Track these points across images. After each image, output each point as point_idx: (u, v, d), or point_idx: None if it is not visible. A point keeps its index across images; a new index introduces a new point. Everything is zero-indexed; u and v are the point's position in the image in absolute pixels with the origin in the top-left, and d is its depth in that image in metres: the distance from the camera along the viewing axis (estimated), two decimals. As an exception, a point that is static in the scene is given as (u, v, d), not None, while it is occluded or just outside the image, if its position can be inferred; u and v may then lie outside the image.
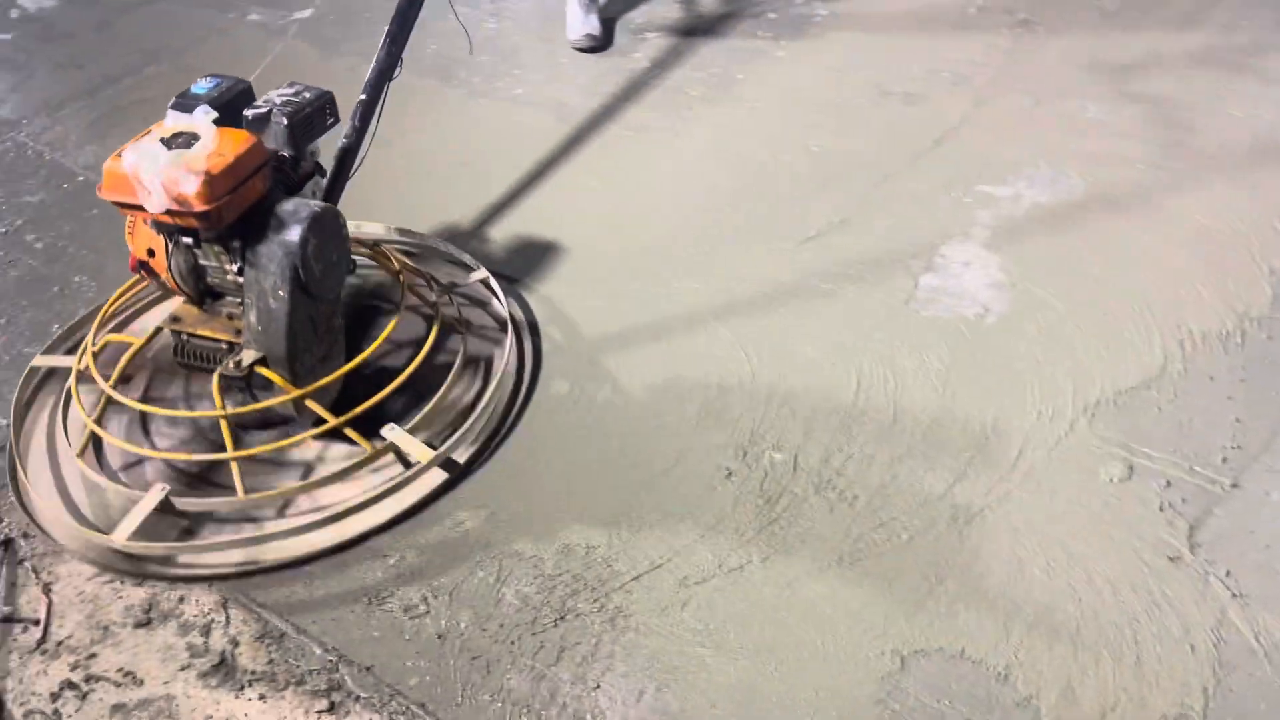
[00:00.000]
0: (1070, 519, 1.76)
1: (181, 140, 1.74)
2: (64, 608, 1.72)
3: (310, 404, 1.89)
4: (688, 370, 2.10)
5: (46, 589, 1.75)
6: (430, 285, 2.23)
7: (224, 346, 1.92)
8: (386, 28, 2.11)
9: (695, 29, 3.33)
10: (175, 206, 1.70)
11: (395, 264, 2.20)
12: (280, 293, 1.81)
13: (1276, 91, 2.81)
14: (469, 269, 2.34)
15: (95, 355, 2.01)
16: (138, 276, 2.04)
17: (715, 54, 3.19)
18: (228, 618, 1.70)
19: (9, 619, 1.71)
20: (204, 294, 1.96)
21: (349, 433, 1.90)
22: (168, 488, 1.82)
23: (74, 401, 1.99)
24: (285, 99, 1.93)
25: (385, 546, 1.79)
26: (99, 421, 1.96)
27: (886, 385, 2.04)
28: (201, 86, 1.91)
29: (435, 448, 1.90)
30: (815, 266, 2.34)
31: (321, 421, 1.89)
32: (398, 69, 2.14)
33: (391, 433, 1.91)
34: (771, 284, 2.30)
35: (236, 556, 1.78)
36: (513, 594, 1.70)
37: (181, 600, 1.72)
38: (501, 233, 2.52)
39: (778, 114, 2.89)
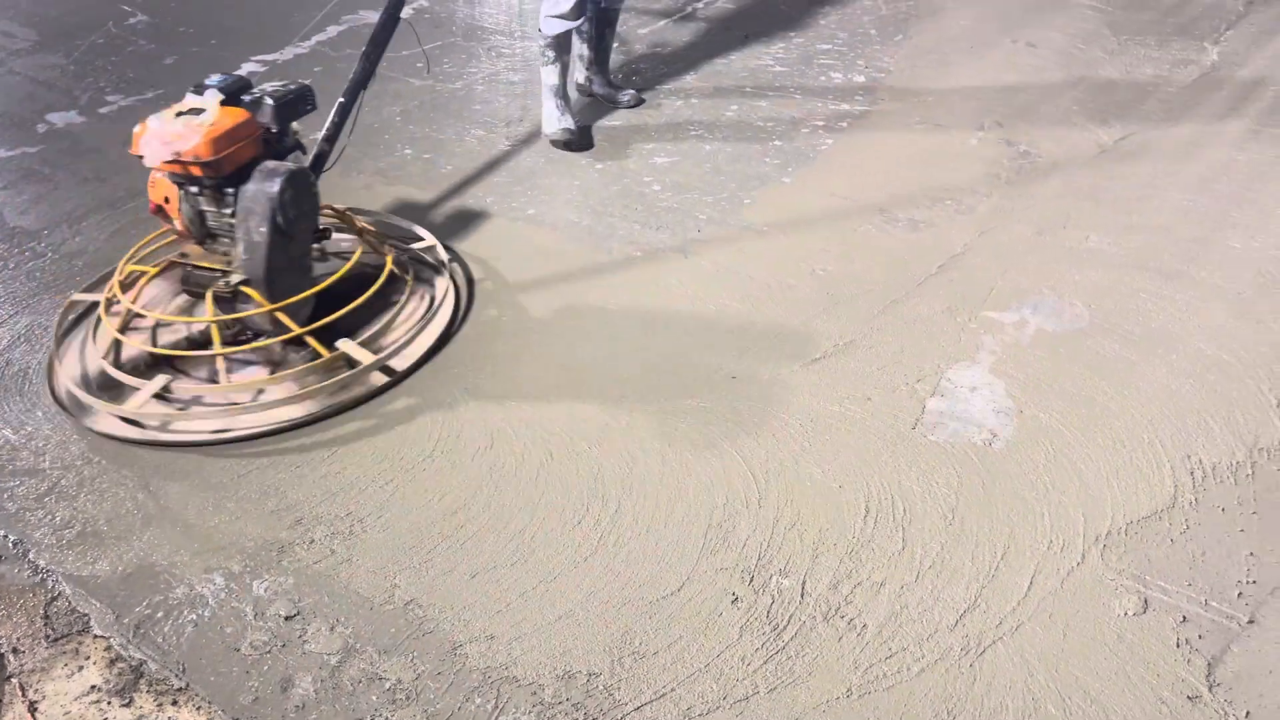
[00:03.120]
0: (1085, 654, 1.72)
1: (191, 113, 2.33)
2: (48, 728, 1.67)
3: (280, 316, 2.42)
4: (695, 490, 2.09)
5: (32, 708, 1.70)
6: (385, 243, 2.83)
7: (219, 274, 2.45)
8: (364, 48, 2.72)
9: (705, 157, 3.43)
10: (181, 159, 2.28)
11: (357, 224, 2.80)
12: (262, 229, 2.35)
13: (1275, 224, 2.86)
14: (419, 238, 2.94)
15: (121, 284, 2.56)
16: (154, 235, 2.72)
17: (724, 180, 3.27)
18: (216, 742, 1.64)
19: (-10, 738, 1.66)
20: (205, 235, 2.47)
21: (310, 340, 2.44)
22: (170, 377, 2.40)
23: (102, 319, 2.53)
24: (275, 88, 2.46)
25: (379, 578, 1.75)
26: (122, 331, 2.50)
27: (895, 510, 2.02)
28: (213, 80, 2.43)
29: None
30: (821, 389, 2.35)
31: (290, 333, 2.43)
32: (371, 81, 2.76)
33: (344, 344, 2.46)
34: (778, 404, 2.31)
35: (215, 424, 2.30)
36: (511, 722, 1.65)
37: (169, 722, 1.67)
38: (508, 347, 2.53)
39: (784, 239, 2.94)
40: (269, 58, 4.29)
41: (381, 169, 3.42)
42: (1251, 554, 1.89)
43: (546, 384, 2.41)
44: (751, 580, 1.89)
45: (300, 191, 2.42)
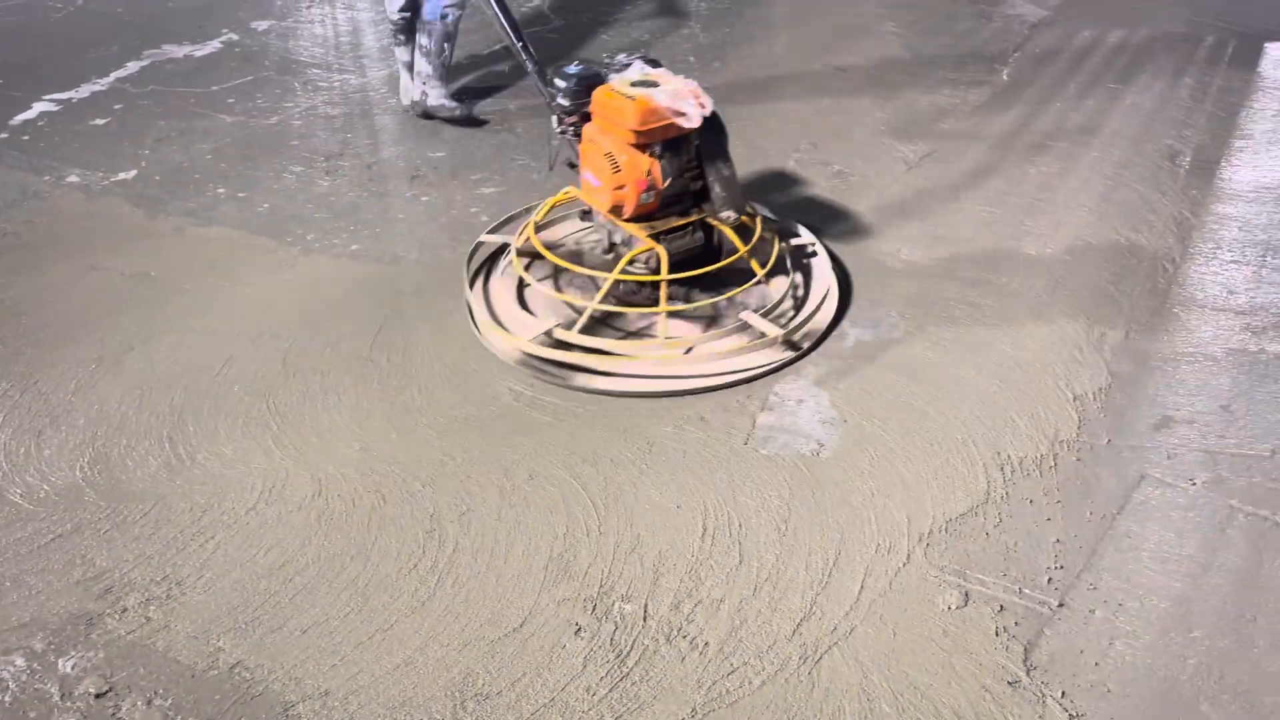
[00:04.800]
0: (914, 651, 1.79)
1: (646, 85, 2.48)
2: None
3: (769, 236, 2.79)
4: (534, 522, 2.06)
5: None
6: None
7: (690, 228, 2.64)
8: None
9: (532, 185, 3.42)
10: (707, 116, 2.46)
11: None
12: (729, 162, 2.57)
13: (1064, 232, 3.09)
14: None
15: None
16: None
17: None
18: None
19: None
20: (673, 196, 2.58)
21: (778, 245, 2.77)
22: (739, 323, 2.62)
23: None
24: (631, 56, 2.62)
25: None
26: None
27: (731, 526, 2.06)
28: (572, 68, 2.67)
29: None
30: (657, 411, 2.37)
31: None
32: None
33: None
34: (615, 430, 2.31)
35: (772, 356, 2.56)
36: (350, 781, 1.58)
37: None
38: (328, 381, 2.45)
39: (614, 263, 2.96)
40: (63, 95, 4.04)
41: (192, 210, 3.26)
42: (1058, 541, 2.01)
43: (374, 426, 2.34)
44: (594, 608, 1.88)
45: None
